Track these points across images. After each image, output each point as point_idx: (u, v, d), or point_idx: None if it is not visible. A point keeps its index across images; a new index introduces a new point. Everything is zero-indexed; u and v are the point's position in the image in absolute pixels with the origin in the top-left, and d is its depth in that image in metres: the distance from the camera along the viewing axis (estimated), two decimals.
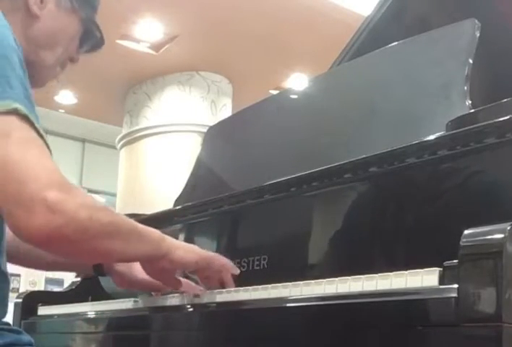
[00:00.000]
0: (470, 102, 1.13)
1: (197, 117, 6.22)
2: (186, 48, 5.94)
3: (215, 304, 1.10)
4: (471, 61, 1.20)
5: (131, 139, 6.55)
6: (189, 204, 1.53)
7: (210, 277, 1.17)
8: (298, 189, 1.22)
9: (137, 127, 6.48)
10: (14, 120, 0.88)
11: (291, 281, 1.00)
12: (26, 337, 1.07)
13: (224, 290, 1.11)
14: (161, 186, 5.86)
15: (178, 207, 1.60)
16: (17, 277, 6.83)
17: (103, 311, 1.39)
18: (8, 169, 0.86)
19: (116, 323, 1.35)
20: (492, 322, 0.70)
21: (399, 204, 1.07)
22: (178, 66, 6.23)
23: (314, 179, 1.19)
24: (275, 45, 5.76)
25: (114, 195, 6.99)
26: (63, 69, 1.22)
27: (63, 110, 7.76)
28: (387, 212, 1.08)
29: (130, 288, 1.33)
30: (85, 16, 1.17)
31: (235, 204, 1.35)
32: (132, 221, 1.04)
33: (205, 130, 2.05)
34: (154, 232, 1.07)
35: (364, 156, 1.10)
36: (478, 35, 1.23)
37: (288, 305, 0.97)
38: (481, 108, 1.01)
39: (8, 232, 1.00)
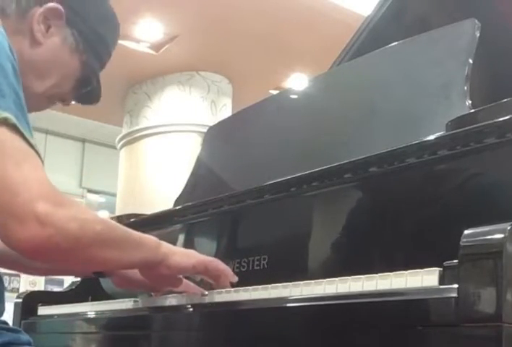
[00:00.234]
0: (470, 102, 1.13)
1: (197, 117, 6.21)
2: (186, 48, 5.94)
3: (215, 304, 1.10)
4: (471, 61, 1.20)
5: (131, 139, 6.54)
6: (189, 204, 1.53)
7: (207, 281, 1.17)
8: (298, 189, 1.22)
9: (137, 127, 6.47)
10: (3, 130, 0.88)
11: (291, 281, 1.00)
12: (25, 337, 1.07)
13: (224, 290, 1.11)
14: (161, 186, 5.85)
15: (178, 207, 1.60)
16: (17, 278, 6.82)
17: (103, 311, 1.39)
18: (0, 180, 0.86)
19: (116, 323, 1.35)
20: (492, 322, 0.70)
21: (399, 204, 1.07)
22: (178, 66, 6.22)
23: (314, 179, 1.19)
24: (275, 45, 5.76)
25: (114, 195, 6.98)
26: (50, 105, 1.21)
27: (63, 111, 7.76)
28: (387, 212, 1.08)
29: (129, 288, 1.33)
30: (87, 61, 1.17)
31: (235, 204, 1.35)
32: (127, 229, 1.04)
33: (205, 130, 2.05)
34: (150, 238, 1.08)
35: (364, 156, 1.10)
36: (478, 35, 1.23)
37: (288, 305, 0.97)
38: (481, 108, 1.01)
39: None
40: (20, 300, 1.68)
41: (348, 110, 1.43)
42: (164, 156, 6.16)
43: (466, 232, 0.77)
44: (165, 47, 5.94)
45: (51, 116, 7.58)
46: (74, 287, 1.75)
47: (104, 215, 8.29)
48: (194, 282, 1.22)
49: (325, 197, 1.19)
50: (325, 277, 0.95)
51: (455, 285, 0.75)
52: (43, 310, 1.64)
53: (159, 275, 1.12)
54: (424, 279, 0.81)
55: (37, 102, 1.16)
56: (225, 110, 6.41)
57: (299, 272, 1.15)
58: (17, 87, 0.93)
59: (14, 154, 0.89)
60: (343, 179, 1.14)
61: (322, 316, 0.91)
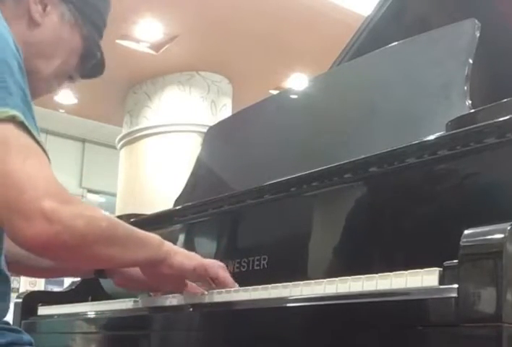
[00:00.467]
0: (470, 102, 1.13)
1: (197, 117, 6.22)
2: (186, 48, 5.94)
3: (215, 304, 1.10)
4: (471, 61, 1.20)
5: (131, 139, 6.55)
6: (189, 204, 1.53)
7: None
8: (298, 189, 1.22)
9: (137, 127, 6.48)
10: (11, 128, 0.88)
11: (291, 281, 0.99)
12: (26, 337, 1.07)
13: (224, 290, 1.11)
14: (161, 186, 5.86)
15: (178, 207, 1.60)
16: (17, 278, 6.83)
17: (103, 311, 1.39)
18: (7, 177, 0.87)
19: (116, 323, 1.35)
20: (492, 322, 0.70)
21: (399, 204, 1.07)
22: (178, 66, 6.23)
23: (314, 179, 1.19)
24: (275, 45, 5.76)
25: (114, 195, 6.99)
26: (59, 86, 1.21)
27: (63, 110, 7.76)
28: (387, 212, 1.08)
29: (129, 287, 1.33)
30: (88, 34, 1.17)
31: (235, 204, 1.35)
32: (131, 227, 1.04)
33: (205, 130, 2.05)
34: (153, 237, 1.08)
35: (364, 156, 1.10)
36: (478, 35, 1.23)
37: (288, 305, 0.97)
38: (481, 108, 1.01)
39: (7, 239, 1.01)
40: (20, 300, 1.68)
41: (348, 110, 1.43)
42: (164, 156, 6.17)
43: (466, 232, 0.77)
44: (165, 47, 5.94)
45: (51, 116, 7.59)
46: (74, 287, 1.75)
47: None
48: (194, 282, 1.22)
49: (325, 197, 1.19)
50: (325, 277, 0.95)
51: (455, 285, 0.75)
52: (43, 310, 1.64)
53: (160, 274, 1.12)
54: (424, 279, 0.81)
55: (47, 84, 1.17)
56: (225, 110, 6.41)
57: (299, 272, 1.15)
58: (23, 84, 0.93)
59: (22, 151, 0.89)
60: (343, 179, 1.14)
61: (322, 316, 0.91)
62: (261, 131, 1.63)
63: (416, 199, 1.04)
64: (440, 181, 1.01)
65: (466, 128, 0.97)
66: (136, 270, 1.19)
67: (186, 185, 1.81)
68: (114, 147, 7.07)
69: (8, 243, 1.02)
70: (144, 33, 5.78)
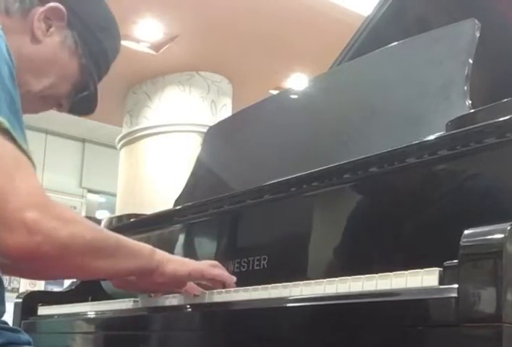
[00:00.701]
0: (470, 102, 1.13)
1: (197, 117, 6.21)
2: (186, 48, 5.94)
3: (215, 304, 1.10)
4: (471, 61, 1.20)
5: (131, 139, 6.54)
6: (189, 204, 1.53)
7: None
8: (298, 189, 1.22)
9: (137, 127, 6.47)
10: None
11: (291, 281, 1.00)
12: (25, 337, 1.06)
13: (224, 290, 1.11)
14: (161, 186, 5.85)
15: (178, 207, 1.60)
16: (17, 278, 6.82)
17: (103, 311, 1.39)
18: None
19: (116, 323, 1.35)
20: (492, 322, 0.70)
21: (399, 204, 1.07)
22: (178, 66, 6.22)
23: (314, 179, 1.19)
24: (275, 45, 5.76)
25: (114, 195, 6.98)
26: (45, 108, 1.20)
27: None
28: (387, 212, 1.08)
29: (127, 289, 1.33)
30: (85, 65, 1.17)
31: (235, 204, 1.35)
32: (120, 237, 1.05)
33: (205, 130, 2.05)
34: (144, 246, 1.09)
35: (364, 156, 1.10)
36: (478, 35, 1.23)
37: (288, 305, 0.97)
38: (481, 108, 1.01)
39: None
40: (20, 300, 1.68)
41: (348, 110, 1.43)
42: (164, 156, 6.16)
43: (466, 232, 0.77)
44: (165, 47, 5.94)
45: (51, 116, 7.58)
46: (74, 287, 1.75)
47: (104, 215, 8.30)
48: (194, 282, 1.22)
49: (325, 197, 1.19)
50: (325, 277, 0.95)
51: (455, 285, 0.75)
52: (43, 310, 1.64)
53: (154, 283, 1.12)
54: (424, 279, 0.81)
55: (33, 102, 1.15)
56: (225, 110, 6.41)
57: (299, 272, 1.15)
58: (13, 90, 0.92)
59: (5, 161, 0.88)
60: (343, 179, 1.14)
61: (322, 316, 0.91)
62: (261, 131, 1.63)
63: (416, 199, 1.04)
64: (440, 181, 1.01)
65: (466, 128, 0.96)
66: None
67: (186, 185, 1.81)
68: (114, 147, 7.06)
69: None
70: (144, 33, 5.78)
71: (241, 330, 1.04)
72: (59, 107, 1.22)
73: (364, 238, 1.09)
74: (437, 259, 0.82)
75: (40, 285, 6.88)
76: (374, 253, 1.08)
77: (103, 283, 1.63)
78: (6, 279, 1.07)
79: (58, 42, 1.13)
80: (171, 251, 1.49)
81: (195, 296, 1.15)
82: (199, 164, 1.83)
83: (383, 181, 1.09)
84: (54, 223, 0.90)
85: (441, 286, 0.79)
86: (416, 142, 1.03)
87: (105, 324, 1.39)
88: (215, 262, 1.18)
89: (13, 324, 1.11)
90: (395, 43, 1.42)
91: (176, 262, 1.12)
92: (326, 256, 1.17)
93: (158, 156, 6.23)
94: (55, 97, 1.19)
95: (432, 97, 1.24)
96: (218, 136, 1.85)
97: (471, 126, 0.96)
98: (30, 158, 0.92)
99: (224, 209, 1.38)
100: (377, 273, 0.88)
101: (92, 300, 1.66)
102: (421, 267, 0.82)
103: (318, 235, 1.20)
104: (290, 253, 1.21)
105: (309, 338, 0.92)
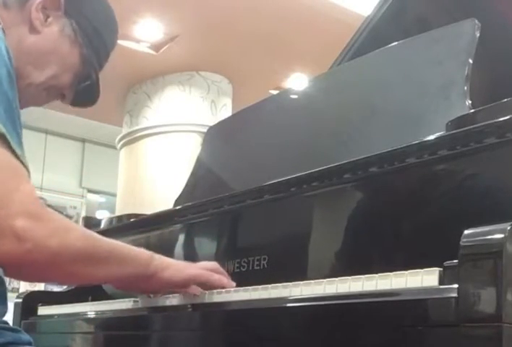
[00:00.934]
0: (470, 102, 1.13)
1: (197, 117, 6.21)
2: (186, 48, 5.94)
3: (215, 304, 1.10)
4: (471, 61, 1.20)
5: (131, 139, 6.54)
6: (189, 204, 1.52)
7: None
8: (298, 189, 1.22)
9: (137, 127, 6.47)
10: None
11: (291, 281, 1.00)
12: (25, 337, 1.06)
13: (224, 290, 1.11)
14: (161, 186, 5.85)
15: (178, 207, 1.60)
16: None
17: (103, 311, 1.39)
18: None
19: (116, 323, 1.35)
20: (492, 322, 0.70)
21: (399, 204, 1.07)
22: (178, 66, 6.22)
23: (314, 179, 1.18)
24: (275, 44, 5.76)
25: (114, 195, 6.98)
26: (48, 100, 1.20)
27: (63, 111, 7.75)
28: (387, 212, 1.08)
29: (127, 289, 1.33)
30: (86, 54, 1.17)
31: (235, 204, 1.35)
32: (115, 243, 1.05)
33: (205, 130, 2.05)
34: (141, 252, 1.08)
35: (364, 156, 1.10)
36: (478, 35, 1.23)
37: (288, 305, 0.97)
38: (481, 108, 1.01)
39: None
40: (20, 300, 1.68)
41: (348, 110, 1.43)
42: (164, 156, 6.16)
43: (466, 232, 0.77)
44: (165, 47, 5.94)
45: (51, 116, 7.58)
46: (74, 287, 1.75)
47: (104, 215, 8.29)
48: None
49: (325, 197, 1.19)
50: (325, 277, 0.95)
51: (455, 285, 0.75)
52: (43, 310, 1.64)
53: (151, 288, 1.12)
54: (424, 279, 0.81)
55: (36, 94, 1.16)
56: (225, 110, 6.41)
57: (299, 272, 1.15)
58: (10, 94, 0.92)
59: (1, 165, 0.88)
60: (343, 179, 1.13)
61: (322, 316, 0.91)
62: (261, 131, 1.63)
63: (416, 199, 1.04)
64: (440, 181, 1.01)
65: (466, 128, 0.96)
66: None
67: (186, 185, 1.81)
68: (114, 147, 7.06)
69: None
70: (144, 33, 5.78)
71: (241, 330, 1.04)
72: (62, 98, 1.22)
73: (364, 238, 1.09)
74: (437, 259, 0.82)
75: (40, 285, 6.88)
76: (374, 253, 1.08)
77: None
78: (6, 279, 1.06)
79: (57, 31, 1.13)
80: (171, 251, 1.49)
81: (195, 296, 1.15)
82: (199, 164, 1.83)
83: (383, 181, 1.09)
84: (45, 231, 0.90)
85: (441, 286, 0.79)
86: (416, 142, 1.03)
87: (105, 324, 1.39)
88: (215, 265, 1.17)
89: (13, 324, 1.11)
90: (395, 43, 1.42)
91: (173, 268, 1.11)
92: (326, 256, 1.17)
93: (158, 156, 6.23)
94: (57, 88, 1.19)
95: (432, 97, 1.24)
96: (218, 136, 1.85)
97: (471, 126, 0.96)
98: (24, 165, 0.92)
99: (224, 209, 1.38)
100: (377, 273, 0.88)
101: (92, 300, 1.66)
102: (421, 267, 0.82)
103: (318, 235, 1.20)
104: (290, 253, 1.21)
105: (309, 338, 0.92)
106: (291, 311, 0.96)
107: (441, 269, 0.80)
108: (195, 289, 1.17)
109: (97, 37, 1.18)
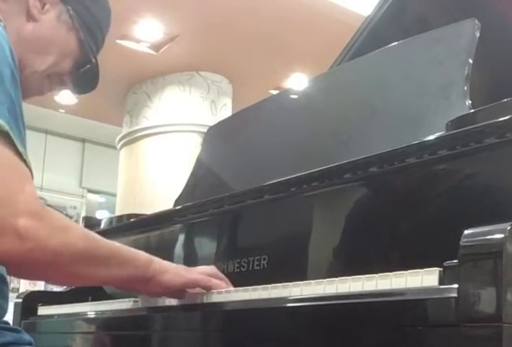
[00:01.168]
0: (470, 102, 1.13)
1: (197, 117, 6.22)
2: (186, 48, 5.94)
3: (215, 304, 1.10)
4: (471, 61, 1.20)
5: (131, 139, 6.54)
6: (189, 204, 1.52)
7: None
8: (298, 189, 1.22)
9: (137, 127, 6.47)
10: None
11: (291, 281, 1.00)
12: (26, 337, 1.07)
13: (224, 290, 1.11)
14: (161, 186, 5.86)
15: (178, 207, 1.60)
16: (17, 278, 6.82)
17: (103, 311, 1.39)
18: None
19: (116, 323, 1.35)
20: (492, 322, 0.70)
21: (399, 204, 1.07)
22: (178, 66, 6.22)
23: (314, 179, 1.18)
24: (275, 44, 5.76)
25: (114, 195, 6.99)
26: (50, 87, 1.21)
27: (63, 110, 7.75)
28: (387, 212, 1.08)
29: (127, 290, 1.33)
30: (84, 39, 1.18)
31: (235, 204, 1.35)
32: (116, 245, 1.05)
33: (205, 130, 2.05)
34: (141, 255, 1.08)
35: (364, 156, 1.10)
36: (478, 35, 1.23)
37: (288, 305, 0.97)
38: (481, 108, 1.01)
39: None
40: (20, 300, 1.68)
41: (348, 110, 1.43)
42: (164, 156, 6.16)
43: (466, 232, 0.77)
44: (165, 47, 5.94)
45: (51, 116, 7.59)
46: (73, 287, 1.75)
47: (104, 215, 8.30)
48: None
49: (325, 197, 1.19)
50: (325, 277, 0.95)
51: (455, 285, 0.75)
52: (43, 310, 1.64)
53: (150, 291, 1.12)
54: (424, 279, 0.81)
55: (39, 82, 1.17)
56: (225, 110, 6.41)
57: (299, 272, 1.15)
58: (14, 94, 0.93)
59: (2, 165, 0.89)
60: (343, 179, 1.13)
61: (322, 316, 0.91)
62: (261, 131, 1.63)
63: (416, 199, 1.04)
64: (440, 181, 1.01)
65: (466, 128, 0.96)
66: None
67: (186, 185, 1.81)
68: (114, 147, 7.06)
69: None
70: (144, 33, 5.78)
71: (241, 330, 1.04)
72: (63, 85, 1.22)
73: (364, 238, 1.09)
74: (437, 259, 0.82)
75: (40, 285, 6.88)
76: (374, 253, 1.08)
77: None
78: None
79: (55, 18, 1.14)
80: (171, 251, 1.49)
81: (195, 296, 1.15)
82: (199, 164, 1.83)
83: (383, 181, 1.09)
84: (47, 230, 0.90)
85: (441, 286, 0.79)
86: (416, 142, 1.03)
87: (105, 324, 1.39)
88: (214, 270, 1.17)
89: (13, 324, 1.11)
90: (395, 43, 1.42)
91: (172, 272, 1.11)
92: (326, 257, 1.17)
93: (158, 156, 6.23)
94: (58, 75, 1.20)
95: (432, 97, 1.24)
96: (218, 136, 1.86)
97: (471, 126, 0.96)
98: (27, 164, 0.92)
99: (224, 209, 1.38)
100: (377, 273, 0.88)
101: (92, 300, 1.66)
102: (421, 267, 0.82)
103: (318, 235, 1.20)
104: (290, 253, 1.21)
105: (309, 338, 0.92)
106: (291, 311, 0.96)
107: (441, 269, 0.80)
108: (195, 289, 1.17)
109: (92, 19, 1.20)
